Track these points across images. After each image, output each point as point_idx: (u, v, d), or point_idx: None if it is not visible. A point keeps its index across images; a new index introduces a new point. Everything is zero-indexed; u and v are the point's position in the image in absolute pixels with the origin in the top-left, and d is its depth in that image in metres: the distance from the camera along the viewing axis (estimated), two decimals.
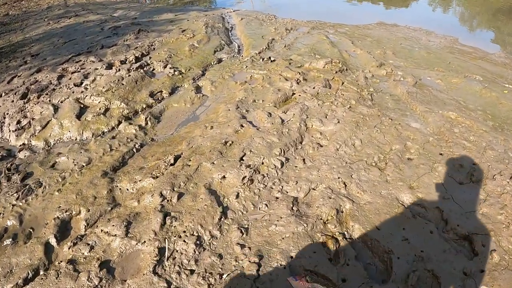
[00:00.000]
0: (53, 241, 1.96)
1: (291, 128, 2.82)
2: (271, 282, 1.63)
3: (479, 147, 2.59)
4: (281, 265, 1.71)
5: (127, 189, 2.32)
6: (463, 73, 4.26)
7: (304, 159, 2.48)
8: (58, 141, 3.01)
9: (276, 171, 2.35)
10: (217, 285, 1.63)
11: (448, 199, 2.14)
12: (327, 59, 4.21)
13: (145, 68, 4.16)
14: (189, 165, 2.42)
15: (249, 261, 1.72)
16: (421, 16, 7.56)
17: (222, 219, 1.99)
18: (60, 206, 2.22)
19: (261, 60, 4.46)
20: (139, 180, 2.34)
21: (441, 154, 2.52)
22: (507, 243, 1.81)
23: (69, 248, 1.90)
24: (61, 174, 2.52)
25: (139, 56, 4.52)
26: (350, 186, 2.19)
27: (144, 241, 1.89)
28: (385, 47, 5.18)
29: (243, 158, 2.46)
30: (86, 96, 3.51)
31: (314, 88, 3.52)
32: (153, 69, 4.22)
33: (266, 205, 2.07)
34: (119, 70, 4.01)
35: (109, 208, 2.17)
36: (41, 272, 1.79)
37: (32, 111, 3.37)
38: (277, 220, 1.95)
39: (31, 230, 2.11)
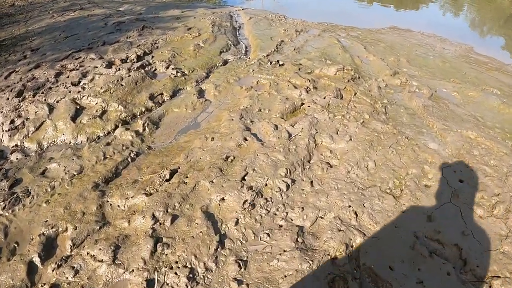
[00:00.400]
0: (37, 261, 1.85)
1: (299, 144, 2.60)
2: None
3: (500, 173, 2.39)
4: None
5: (118, 206, 2.15)
6: (480, 86, 4.05)
7: (312, 182, 2.26)
8: (51, 144, 2.87)
9: (281, 194, 2.14)
10: None
11: (467, 235, 1.95)
12: (338, 66, 3.98)
13: (146, 68, 3.96)
14: (186, 183, 2.22)
15: None
16: (432, 21, 7.33)
17: (218, 249, 1.79)
18: (46, 221, 2.09)
19: (269, 63, 4.24)
20: (131, 197, 2.16)
21: (461, 181, 2.30)
22: None
23: (53, 270, 1.79)
24: (50, 183, 2.38)
25: (141, 55, 4.33)
26: (362, 216, 1.98)
27: (132, 270, 1.73)
28: (398, 53, 4.94)
29: (245, 177, 2.25)
30: (83, 96, 3.34)
31: (324, 98, 3.30)
32: (155, 70, 4.02)
33: (268, 234, 1.87)
34: (119, 69, 3.82)
35: (98, 227, 2.00)
36: None
37: (26, 110, 3.21)
38: (280, 254, 1.75)
39: (15, 245, 2.00)
